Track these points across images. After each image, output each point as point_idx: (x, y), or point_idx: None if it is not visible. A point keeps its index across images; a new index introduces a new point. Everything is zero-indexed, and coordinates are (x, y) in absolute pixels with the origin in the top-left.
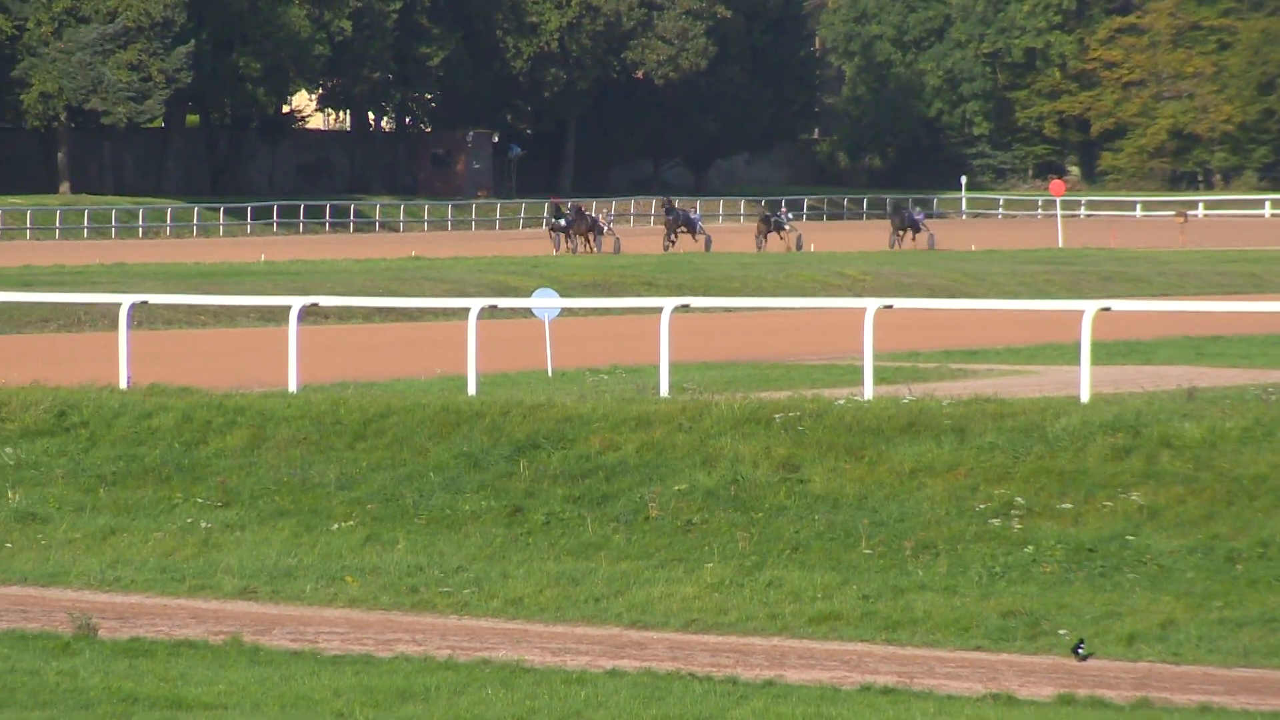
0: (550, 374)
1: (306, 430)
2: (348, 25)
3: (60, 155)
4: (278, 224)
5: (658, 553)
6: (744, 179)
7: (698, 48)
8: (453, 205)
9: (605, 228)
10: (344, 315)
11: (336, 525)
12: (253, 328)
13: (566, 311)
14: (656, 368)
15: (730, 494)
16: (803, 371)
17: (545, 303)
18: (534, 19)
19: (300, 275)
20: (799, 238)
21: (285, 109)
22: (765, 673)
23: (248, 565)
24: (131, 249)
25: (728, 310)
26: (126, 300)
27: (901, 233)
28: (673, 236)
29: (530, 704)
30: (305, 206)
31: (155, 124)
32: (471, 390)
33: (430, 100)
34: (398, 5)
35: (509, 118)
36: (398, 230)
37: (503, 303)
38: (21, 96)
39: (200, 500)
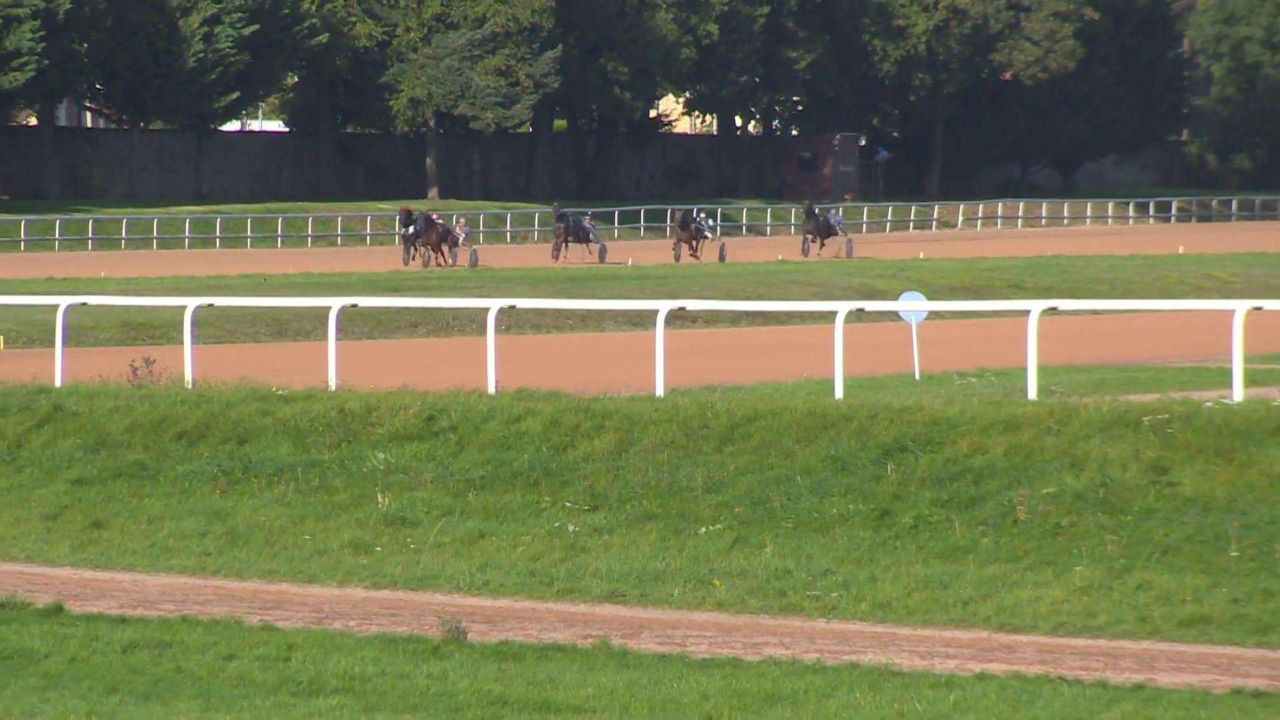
0: (917, 377)
1: (673, 434)
2: (714, 29)
3: (429, 161)
4: (644, 228)
5: (1026, 556)
6: (1112, 181)
7: (1066, 49)
8: (819, 209)
9: (461, 238)
10: (711, 319)
11: (704, 529)
12: (619, 331)
13: (934, 314)
14: (1024, 370)
15: (1099, 497)
16: (1171, 374)
17: (912, 306)
18: (901, 22)
19: (668, 279)
20: (722, 247)
21: (652, 113)
22: (1134, 676)
23: (615, 569)
24: (498, 254)
25: (1095, 313)
26: (494, 305)
27: (812, 238)
28: (564, 245)
29: (899, 707)
30: (672, 210)
31: (523, 129)
32: (838, 393)
33: (797, 103)
34: (765, 9)
35: (875, 121)
36: (764, 234)
37: (870, 306)
38: (391, 102)
39: (568, 504)
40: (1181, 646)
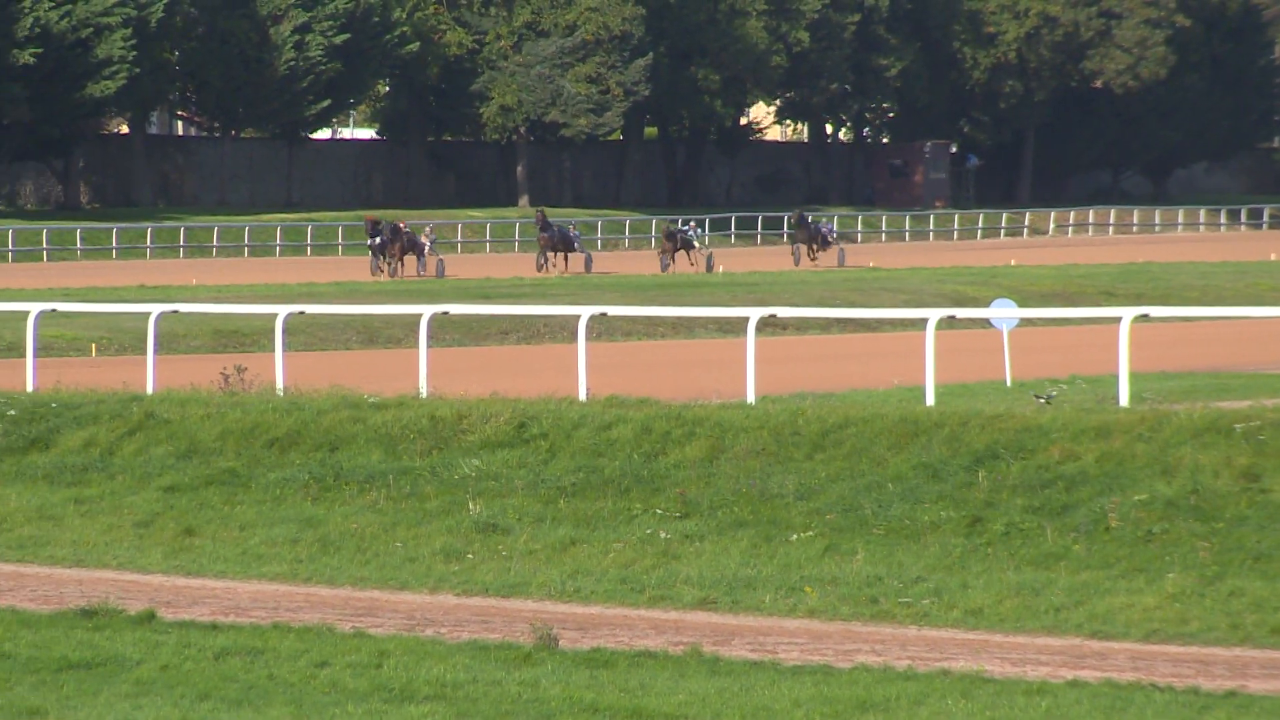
0: (1009, 384)
1: (765, 441)
2: (805, 36)
3: (519, 168)
4: (735, 235)
5: (1118, 563)
6: (1203, 187)
7: (1157, 56)
8: (910, 216)
9: (428, 247)
10: (801, 326)
11: (795, 536)
12: (710, 339)
13: (1025, 321)
14: (1115, 377)
15: (1190, 504)
16: (1263, 380)
17: (1004, 313)
18: (992, 29)
19: (758, 286)
20: (709, 257)
21: (743, 120)
22: (1227, 683)
23: (707, 576)
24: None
25: (1187, 320)
26: (585, 312)
27: (807, 246)
28: (547, 256)
29: (991, 714)
30: (762, 218)
31: (614, 136)
32: (929, 400)
33: (888, 110)
34: (856, 16)
35: (966, 128)
36: (855, 241)
37: (960, 313)
38: (481, 110)
39: (659, 511)
40: (1274, 653)
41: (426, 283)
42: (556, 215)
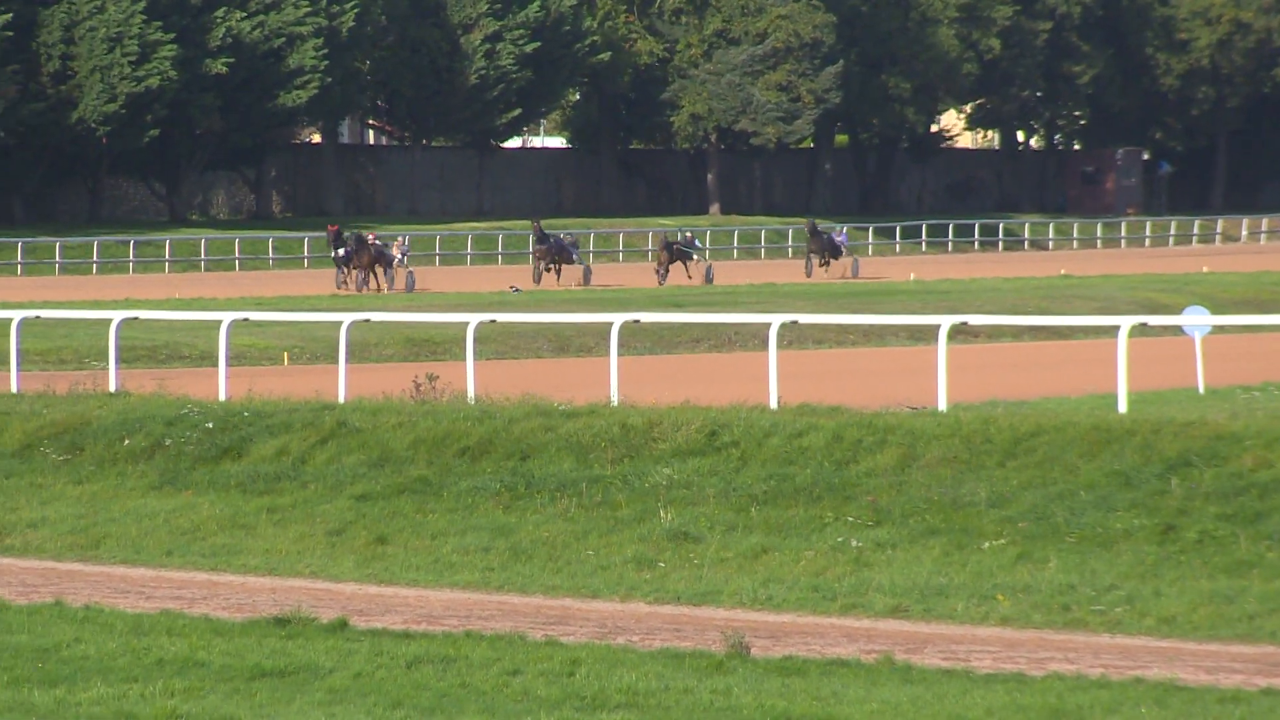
0: (1201, 391)
1: (956, 449)
2: (997, 44)
3: (710, 177)
4: (926, 243)
5: None
6: None
7: None
8: (1102, 223)
9: (397, 258)
10: (993, 334)
11: (987, 544)
12: (902, 346)
13: (1217, 328)
14: None
15: None
16: None
17: (1196, 320)
18: (1184, 36)
19: (949, 294)
20: (709, 269)
21: (934, 128)
22: None
23: (899, 584)
24: (778, 269)
25: None
26: (775, 320)
27: (818, 258)
28: (545, 268)
29: None
30: (954, 225)
31: (804, 144)
32: (1121, 408)
33: (1079, 118)
34: (1048, 24)
35: (1158, 135)
36: (1046, 248)
37: (1153, 320)
38: (672, 118)
39: (851, 519)
40: None
41: (609, 291)
42: (747, 224)
